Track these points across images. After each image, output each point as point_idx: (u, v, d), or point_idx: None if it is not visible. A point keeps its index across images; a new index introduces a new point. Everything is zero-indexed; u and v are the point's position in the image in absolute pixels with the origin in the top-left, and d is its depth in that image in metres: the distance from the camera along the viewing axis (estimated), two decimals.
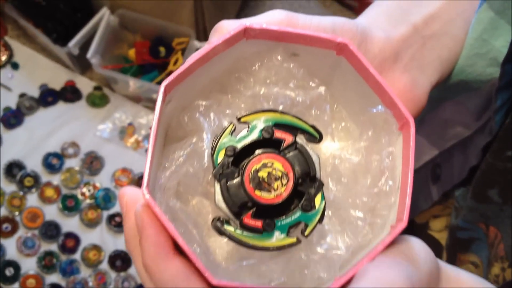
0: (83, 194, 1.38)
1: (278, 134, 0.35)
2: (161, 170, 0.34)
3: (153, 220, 0.31)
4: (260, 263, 0.34)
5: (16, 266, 1.31)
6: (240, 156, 0.34)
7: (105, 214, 1.38)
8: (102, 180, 1.41)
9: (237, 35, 0.35)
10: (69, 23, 1.42)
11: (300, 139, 0.35)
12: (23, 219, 1.34)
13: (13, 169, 1.39)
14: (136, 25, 1.48)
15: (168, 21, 1.46)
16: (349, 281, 0.32)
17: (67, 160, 1.41)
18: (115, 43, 1.46)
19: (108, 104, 1.47)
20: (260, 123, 0.35)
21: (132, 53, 1.46)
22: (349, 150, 0.38)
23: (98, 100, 1.48)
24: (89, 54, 1.36)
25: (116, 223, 1.36)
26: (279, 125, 0.35)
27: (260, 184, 0.33)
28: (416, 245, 0.34)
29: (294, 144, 0.35)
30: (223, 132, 0.34)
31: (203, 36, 1.51)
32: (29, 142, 1.42)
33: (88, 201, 1.38)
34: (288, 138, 0.35)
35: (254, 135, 0.34)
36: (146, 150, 0.33)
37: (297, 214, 0.34)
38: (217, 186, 0.34)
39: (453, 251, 0.59)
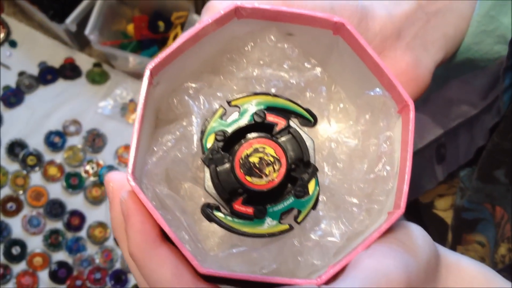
0: (86, 172, 1.38)
1: (271, 118, 0.33)
2: (149, 155, 0.33)
3: (139, 207, 0.30)
4: (251, 251, 0.33)
5: (22, 244, 1.31)
6: (231, 141, 0.33)
7: None
8: (105, 157, 1.40)
9: (228, 14, 0.33)
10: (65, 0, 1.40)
11: (294, 123, 0.34)
12: (27, 198, 1.35)
13: (15, 148, 1.38)
14: (134, 0, 1.46)
15: None
16: (343, 270, 0.31)
17: (69, 138, 1.40)
18: (113, 18, 1.43)
19: (109, 80, 1.46)
20: (251, 106, 0.33)
21: (130, 28, 1.44)
22: (346, 133, 0.37)
23: (98, 77, 1.46)
24: (87, 31, 1.34)
25: None
26: (271, 109, 0.34)
27: (251, 170, 0.32)
28: (415, 232, 0.33)
29: (287, 128, 0.33)
30: (213, 116, 0.33)
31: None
32: (30, 121, 1.41)
33: (92, 178, 1.38)
34: (280, 122, 0.33)
35: (245, 119, 0.33)
36: None
37: (289, 200, 0.33)
38: (207, 172, 0.33)
39: (459, 231, 0.58)
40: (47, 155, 1.39)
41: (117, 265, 1.31)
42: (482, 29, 0.44)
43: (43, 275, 1.30)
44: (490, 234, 0.54)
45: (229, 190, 0.32)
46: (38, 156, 1.38)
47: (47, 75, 1.45)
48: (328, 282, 0.30)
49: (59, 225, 1.34)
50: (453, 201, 0.60)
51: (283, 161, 0.32)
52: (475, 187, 0.52)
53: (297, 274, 0.34)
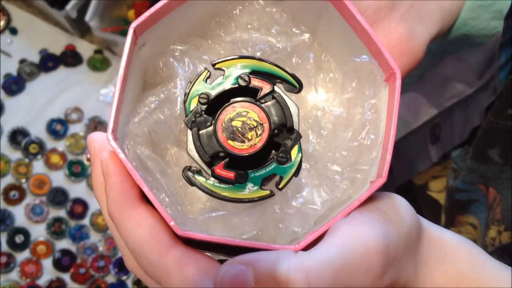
0: (89, 159, 1.38)
1: (255, 82, 0.33)
2: (132, 116, 0.33)
3: (119, 167, 0.30)
4: (231, 215, 0.33)
5: (25, 233, 1.32)
6: (215, 104, 0.33)
7: None
8: None
9: None
10: None
11: (279, 89, 0.33)
12: (30, 186, 1.34)
13: (17, 136, 1.38)
14: None
15: None
16: (321, 237, 0.30)
17: (71, 126, 1.40)
18: (113, 4, 1.42)
19: (110, 67, 1.44)
20: (236, 70, 0.33)
21: (131, 14, 1.42)
22: (333, 102, 0.36)
23: (99, 64, 1.45)
24: (87, 17, 1.33)
25: None
26: (256, 73, 0.33)
27: (233, 133, 0.32)
28: (397, 202, 0.33)
29: (271, 93, 0.33)
30: (197, 78, 0.33)
31: None
32: (32, 109, 1.40)
33: None
34: (265, 87, 0.33)
35: (230, 83, 0.33)
36: None
37: (272, 166, 0.32)
38: (189, 135, 0.33)
39: (452, 212, 0.57)
40: (49, 143, 1.38)
41: (120, 253, 1.31)
42: (479, 3, 0.43)
43: (47, 263, 1.30)
44: (482, 216, 0.54)
45: (211, 153, 0.32)
46: (40, 144, 1.37)
47: (48, 62, 1.44)
48: (307, 248, 0.30)
49: (62, 213, 1.34)
50: (447, 182, 0.60)
51: (266, 126, 0.32)
52: (469, 167, 0.51)
53: (277, 241, 0.33)
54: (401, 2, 0.41)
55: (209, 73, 0.33)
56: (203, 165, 0.33)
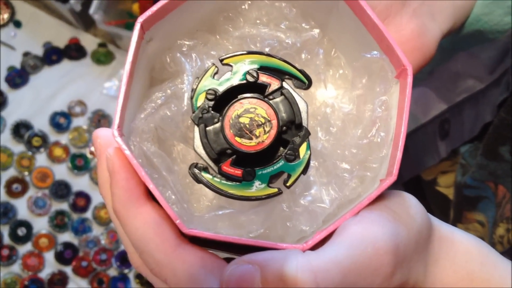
0: (92, 153, 1.38)
1: (264, 78, 0.32)
2: (138, 112, 0.33)
3: (125, 164, 0.30)
4: (238, 213, 0.32)
5: (28, 226, 1.32)
6: (222, 100, 0.32)
7: None
8: None
9: None
10: None
11: (288, 85, 0.33)
12: (32, 179, 1.34)
13: (21, 129, 1.38)
14: None
15: None
16: (330, 236, 0.30)
17: (75, 119, 1.39)
18: None
19: (114, 61, 1.44)
20: (244, 65, 0.32)
21: (136, 7, 1.41)
22: (343, 99, 0.35)
23: (103, 57, 1.44)
24: (91, 10, 1.32)
25: None
26: (265, 69, 0.32)
27: (241, 130, 0.31)
28: (407, 201, 0.32)
29: (280, 89, 0.32)
30: (204, 74, 0.32)
31: None
32: (35, 102, 1.40)
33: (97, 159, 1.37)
34: (274, 83, 0.32)
35: (238, 78, 0.32)
36: None
37: (279, 163, 0.32)
38: (196, 131, 0.32)
39: (460, 209, 0.57)
40: (52, 136, 1.38)
41: (123, 247, 1.31)
42: None
43: (49, 256, 1.30)
44: (490, 214, 0.53)
45: (218, 150, 0.32)
46: (44, 137, 1.37)
47: (52, 55, 1.44)
48: (315, 247, 0.29)
49: (64, 206, 1.34)
50: (455, 177, 0.59)
51: (274, 122, 0.31)
52: (479, 164, 0.50)
53: (285, 240, 0.33)
54: None
55: (216, 68, 0.32)
56: (210, 162, 0.32)
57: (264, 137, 0.31)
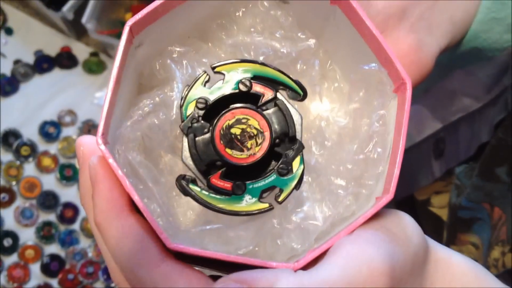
0: None
1: (257, 88, 0.31)
2: (125, 120, 0.31)
3: (108, 173, 0.28)
4: (227, 229, 0.31)
5: (14, 236, 1.28)
6: (213, 110, 0.31)
7: None
8: None
9: None
10: None
11: (282, 96, 0.32)
12: (20, 189, 1.31)
13: (9, 138, 1.35)
14: None
15: None
16: (323, 255, 0.28)
17: (64, 129, 1.37)
18: (111, 7, 1.40)
19: (105, 70, 1.42)
20: (237, 74, 0.31)
21: (129, 17, 1.40)
22: (338, 113, 0.34)
23: (95, 66, 1.43)
24: (84, 19, 1.31)
25: None
26: (258, 78, 0.31)
27: (232, 141, 0.30)
28: (404, 221, 0.31)
29: (273, 100, 0.31)
30: (195, 82, 0.31)
31: None
32: (25, 110, 1.38)
33: None
34: (267, 93, 0.31)
35: (230, 87, 0.31)
36: None
37: (271, 177, 0.30)
38: (185, 141, 0.31)
39: (453, 230, 0.55)
40: (41, 146, 1.36)
41: None
42: (492, 16, 0.42)
43: (35, 268, 1.27)
44: (485, 236, 0.52)
45: (207, 162, 0.30)
46: (32, 147, 1.35)
47: (43, 63, 1.42)
48: (307, 267, 0.28)
49: (52, 217, 1.31)
50: (449, 198, 0.58)
51: (267, 134, 0.30)
52: (474, 185, 0.49)
53: (275, 258, 0.31)
54: (411, 12, 0.39)
55: (208, 76, 0.31)
56: (199, 174, 0.31)
57: (256, 149, 0.30)
